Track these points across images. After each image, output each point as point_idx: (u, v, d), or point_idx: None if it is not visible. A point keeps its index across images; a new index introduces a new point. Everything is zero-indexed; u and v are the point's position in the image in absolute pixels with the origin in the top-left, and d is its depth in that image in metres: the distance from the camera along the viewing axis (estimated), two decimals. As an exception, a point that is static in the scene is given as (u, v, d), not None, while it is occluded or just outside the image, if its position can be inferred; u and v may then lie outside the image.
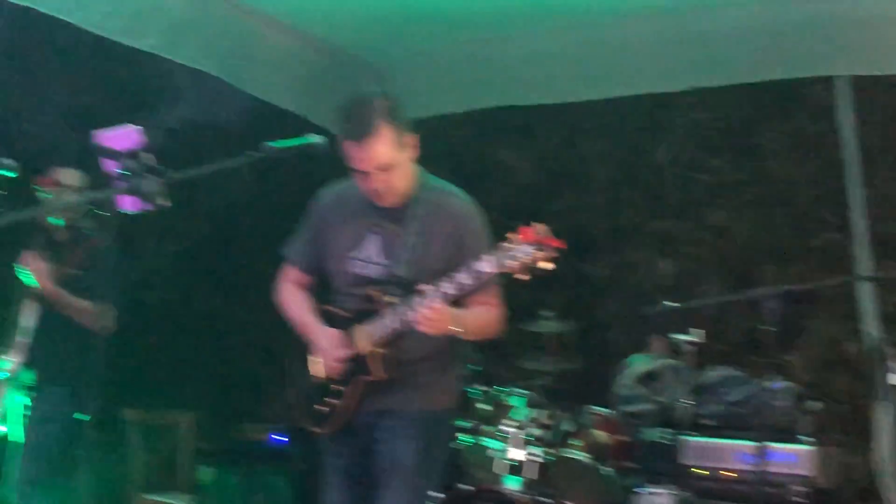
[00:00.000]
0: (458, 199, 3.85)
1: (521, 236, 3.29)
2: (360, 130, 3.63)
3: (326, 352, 3.79)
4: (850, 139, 5.54)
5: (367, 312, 3.74)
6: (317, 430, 3.88)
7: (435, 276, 3.60)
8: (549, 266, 3.29)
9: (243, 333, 7.75)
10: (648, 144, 7.00)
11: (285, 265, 4.07)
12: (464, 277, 3.48)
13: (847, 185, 5.63)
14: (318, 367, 3.85)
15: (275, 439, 6.09)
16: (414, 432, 3.75)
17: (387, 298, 3.69)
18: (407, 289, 3.66)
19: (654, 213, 6.96)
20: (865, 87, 5.84)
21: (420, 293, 3.55)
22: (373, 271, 3.80)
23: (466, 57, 6.09)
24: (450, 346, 3.82)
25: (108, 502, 5.75)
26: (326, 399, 3.83)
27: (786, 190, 6.49)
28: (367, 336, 3.73)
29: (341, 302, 3.89)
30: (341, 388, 3.80)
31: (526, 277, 3.33)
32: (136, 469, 6.42)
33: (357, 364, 3.75)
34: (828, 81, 5.67)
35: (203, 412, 6.64)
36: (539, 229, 3.28)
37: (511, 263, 3.31)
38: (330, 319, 3.87)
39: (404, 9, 5.45)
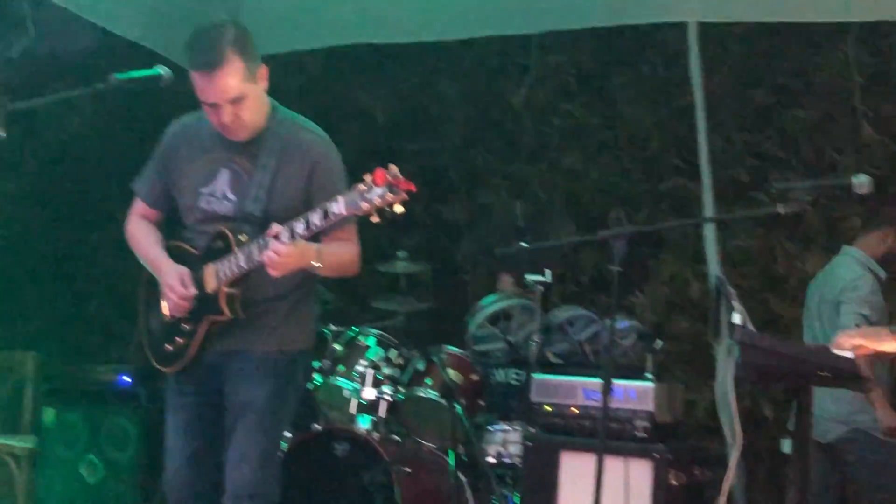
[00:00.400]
0: (314, 135, 3.79)
1: (374, 178, 3.26)
2: (208, 60, 3.53)
3: (173, 289, 3.70)
4: (699, 86, 5.67)
5: (217, 250, 3.67)
6: (164, 369, 3.82)
7: (288, 213, 3.54)
8: (401, 209, 3.27)
9: (89, 270, 7.54)
10: (504, 87, 7.03)
11: (135, 199, 3.96)
12: (316, 218, 3.42)
13: (695, 130, 5.76)
14: (167, 305, 3.78)
15: (122, 379, 5.96)
16: (264, 374, 3.71)
17: (238, 237, 3.63)
18: (258, 226, 3.59)
19: (509, 156, 7.01)
20: (714, 34, 5.99)
21: (271, 235, 3.50)
22: (223, 208, 3.72)
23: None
24: (303, 286, 3.78)
25: None
26: (175, 338, 3.77)
27: (637, 135, 6.62)
28: (215, 275, 3.65)
29: (191, 238, 3.80)
30: (189, 327, 3.73)
31: (377, 219, 3.31)
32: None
33: (206, 303, 3.68)
34: (680, 27, 5.78)
35: (47, 352, 6.45)
36: (392, 171, 3.27)
37: (364, 205, 3.27)
38: (180, 256, 3.79)
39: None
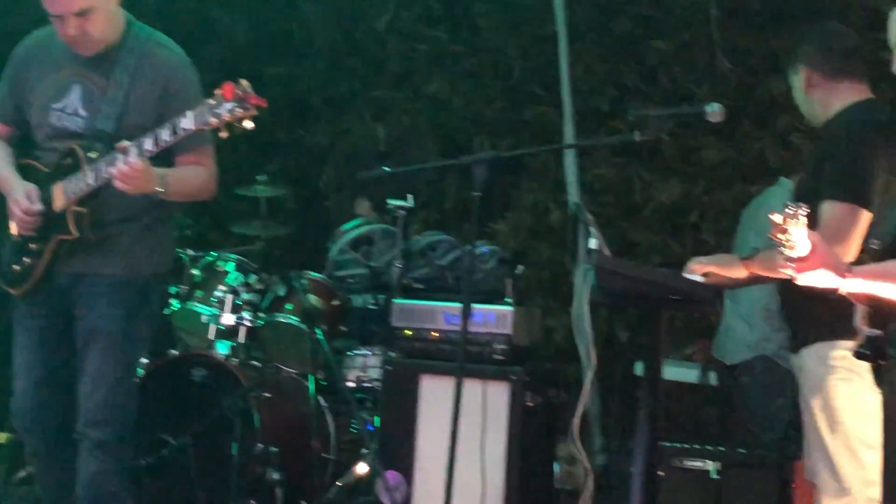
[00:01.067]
0: (169, 51, 3.71)
1: (223, 92, 3.23)
2: None
3: (19, 204, 3.61)
4: (562, 15, 5.70)
5: (67, 167, 3.58)
6: (11, 290, 3.72)
7: (140, 130, 3.47)
8: (250, 125, 3.26)
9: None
10: (369, 12, 6.95)
11: None
12: (165, 134, 3.38)
13: (558, 59, 5.80)
14: (14, 223, 3.67)
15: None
16: (116, 298, 3.63)
17: (88, 154, 3.53)
18: (109, 144, 3.51)
19: (373, 82, 6.95)
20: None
21: (119, 150, 3.42)
22: (74, 124, 3.63)
23: None
24: (157, 208, 3.70)
25: None
26: (23, 258, 3.67)
27: (501, 62, 6.63)
28: (63, 192, 3.57)
29: (41, 156, 3.71)
30: (37, 246, 3.64)
31: (225, 134, 3.29)
32: None
33: (53, 221, 3.59)
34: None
35: None
36: (242, 86, 3.23)
37: (212, 120, 3.26)
38: (30, 174, 3.69)
39: None
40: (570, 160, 5.74)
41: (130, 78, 3.60)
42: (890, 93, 4.33)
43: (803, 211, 2.50)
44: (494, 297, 4.66)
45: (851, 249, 3.25)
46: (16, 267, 3.69)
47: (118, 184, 3.42)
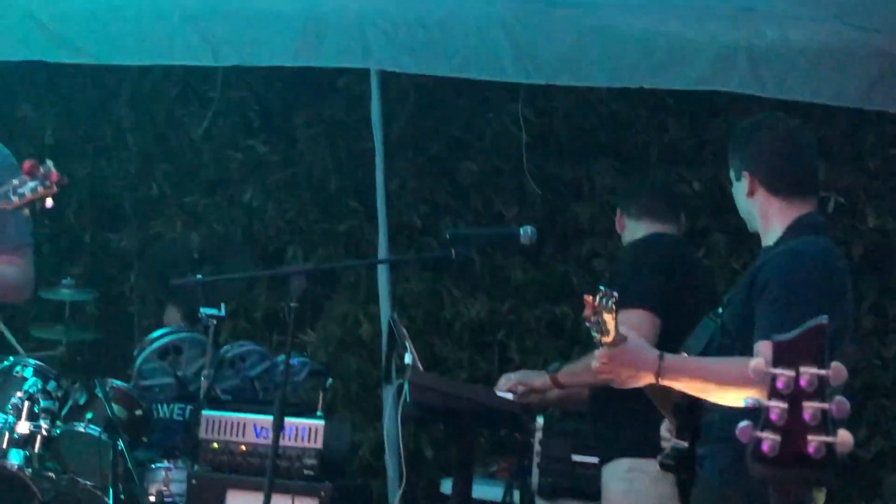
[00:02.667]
0: None
1: (24, 171, 3.26)
2: None
3: None
4: (378, 131, 5.82)
5: None
6: None
7: None
8: (50, 203, 3.28)
9: None
10: (184, 117, 6.92)
11: None
12: None
13: (374, 174, 5.90)
14: None
15: None
16: None
17: None
18: None
19: (186, 188, 6.89)
20: (395, 83, 6.19)
21: None
22: None
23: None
24: None
25: None
26: None
27: (317, 175, 6.69)
28: None
29: None
30: None
31: (27, 213, 3.33)
32: None
33: None
34: (363, 73, 5.92)
35: None
36: (45, 165, 3.26)
37: (15, 199, 3.26)
38: None
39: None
40: (382, 274, 5.80)
41: None
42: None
43: (613, 296, 2.60)
44: (305, 410, 4.64)
45: None
46: None
47: None
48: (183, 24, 5.51)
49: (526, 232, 3.75)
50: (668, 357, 2.80)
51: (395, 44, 5.34)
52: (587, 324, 2.64)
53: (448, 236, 3.80)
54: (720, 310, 3.09)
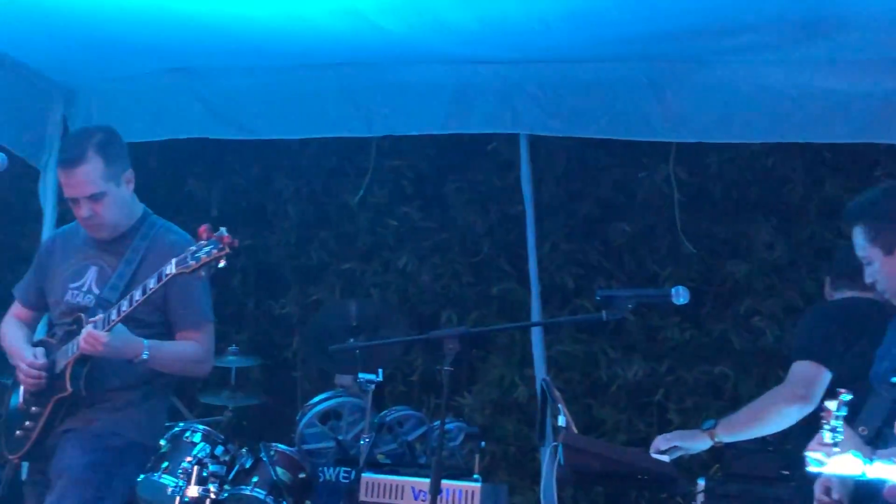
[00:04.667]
0: (177, 236, 4.01)
1: (200, 235, 3.49)
2: (69, 157, 3.81)
3: (24, 360, 3.83)
4: (529, 195, 5.88)
5: (72, 334, 3.80)
6: (11, 455, 3.88)
7: (144, 304, 3.67)
8: (223, 262, 3.47)
9: None
10: (341, 187, 7.13)
11: (15, 301, 4.21)
12: (151, 282, 3.61)
13: (525, 237, 5.95)
14: (22, 386, 3.89)
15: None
16: (91, 446, 3.76)
17: (89, 320, 3.71)
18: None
19: (343, 255, 7.08)
20: (544, 146, 6.25)
21: (90, 321, 3.67)
22: (85, 300, 3.88)
23: (162, 86, 5.98)
24: (154, 380, 3.89)
25: None
26: (25, 423, 3.83)
27: (469, 239, 6.79)
28: (64, 354, 3.78)
29: (55, 331, 3.97)
30: (37, 409, 3.79)
31: (202, 274, 3.52)
32: None
33: (53, 383, 3.78)
34: (512, 138, 6.00)
35: None
36: (219, 230, 3.50)
37: (192, 263, 3.46)
38: (42, 348, 3.94)
39: (99, 33, 5.28)
40: (536, 336, 5.82)
41: (140, 258, 3.88)
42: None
43: (844, 411, 2.66)
44: (462, 473, 4.67)
45: None
46: (18, 432, 3.87)
47: (83, 347, 3.63)
48: (339, 98, 5.73)
49: (678, 292, 3.71)
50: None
51: (542, 108, 5.42)
52: (824, 424, 2.70)
53: (598, 297, 3.79)
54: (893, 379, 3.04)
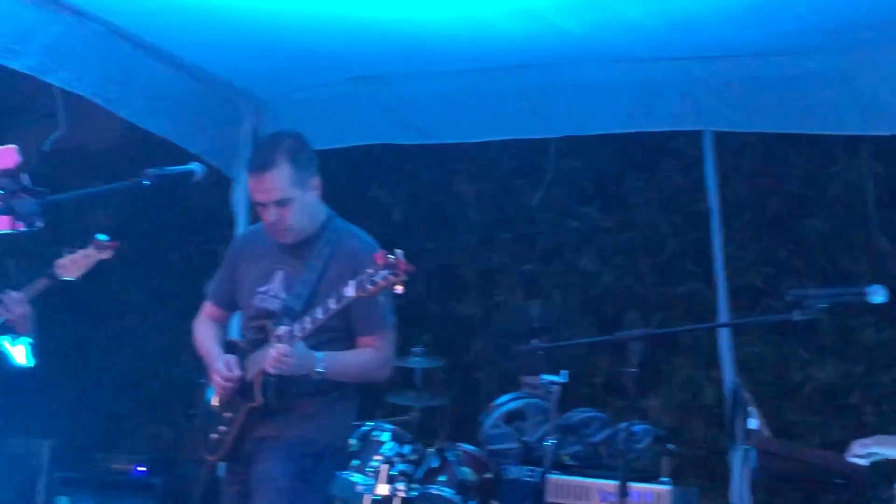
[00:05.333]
0: (360, 241, 4.05)
1: (376, 260, 3.51)
2: (260, 163, 3.88)
3: (219, 372, 3.92)
4: (714, 193, 5.76)
5: (259, 342, 3.88)
6: (209, 458, 3.98)
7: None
8: (400, 289, 3.51)
9: (102, 362, 7.60)
10: (520, 188, 7.14)
11: (206, 301, 4.30)
12: (331, 303, 3.65)
13: (711, 236, 5.83)
14: (215, 392, 3.99)
15: (136, 470, 5.97)
16: (288, 456, 3.85)
17: (275, 329, 3.77)
18: (298, 320, 3.78)
19: (523, 256, 7.09)
20: (729, 143, 6.10)
21: (274, 336, 3.72)
22: (273, 304, 3.95)
23: (345, 95, 6.13)
24: (341, 383, 3.93)
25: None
26: (219, 427, 3.91)
27: (653, 239, 6.70)
28: (254, 364, 3.85)
29: (244, 334, 4.08)
30: (231, 415, 3.88)
31: (381, 299, 3.63)
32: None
33: (245, 391, 3.87)
34: (695, 135, 5.89)
35: (62, 440, 6.48)
36: (394, 254, 3.50)
37: (370, 287, 3.51)
38: (233, 350, 4.03)
39: (285, 44, 5.47)
40: (724, 337, 5.69)
41: (324, 264, 3.92)
42: None
43: None
44: (650, 476, 4.61)
45: None
46: (213, 436, 3.93)
47: (269, 368, 3.68)
48: (517, 100, 5.75)
49: (874, 290, 3.57)
50: None
51: (727, 103, 5.31)
52: None
53: (789, 297, 3.68)
54: None
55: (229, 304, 4.22)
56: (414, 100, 5.99)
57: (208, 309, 4.27)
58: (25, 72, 5.09)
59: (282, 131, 4.20)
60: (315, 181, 3.97)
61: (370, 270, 3.51)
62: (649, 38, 5.07)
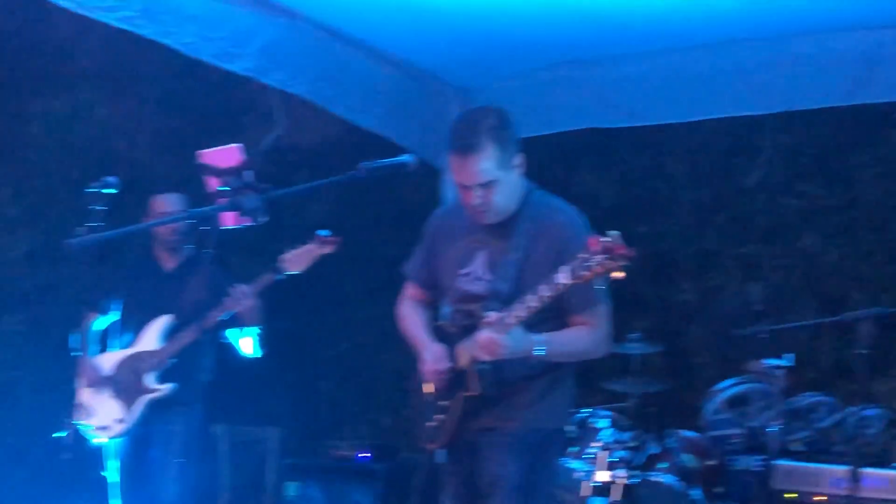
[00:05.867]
0: (564, 215, 3.85)
1: (590, 245, 3.34)
2: (463, 145, 3.71)
3: (428, 365, 3.84)
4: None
5: (468, 329, 3.76)
6: (427, 445, 3.92)
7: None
8: (620, 274, 3.33)
9: (325, 352, 7.83)
10: (736, 168, 6.94)
11: (406, 281, 4.17)
12: (545, 290, 3.51)
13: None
14: (427, 383, 3.90)
15: (360, 456, 6.12)
16: (517, 450, 3.73)
17: (485, 315, 3.66)
18: (507, 304, 3.66)
19: (741, 238, 6.89)
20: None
21: (484, 323, 3.59)
22: (478, 287, 3.83)
23: (552, 80, 6.10)
24: (559, 366, 3.81)
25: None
26: (435, 415, 3.86)
27: (879, 216, 6.39)
28: (466, 352, 3.75)
29: (451, 318, 3.94)
30: (446, 403, 3.83)
31: (601, 285, 3.43)
32: (224, 483, 6.53)
33: (459, 379, 3.77)
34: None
35: (289, 428, 6.73)
36: (609, 238, 3.32)
37: (585, 273, 3.36)
38: (442, 335, 3.93)
39: (491, 33, 5.49)
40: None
41: (528, 242, 3.76)
42: None
43: None
44: (884, 462, 4.41)
45: None
46: (430, 423, 3.90)
47: (482, 353, 3.59)
48: (731, 76, 5.58)
49: None
50: None
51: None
52: None
53: None
54: None
55: (431, 285, 4.07)
56: (624, 82, 5.90)
57: (411, 290, 4.15)
58: (243, 74, 5.28)
59: (483, 108, 3.88)
60: (518, 159, 3.79)
61: (584, 255, 3.36)
62: (872, 4, 4.82)
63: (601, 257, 3.32)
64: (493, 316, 3.59)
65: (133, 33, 4.85)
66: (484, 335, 3.57)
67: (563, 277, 3.45)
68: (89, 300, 5.61)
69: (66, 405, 5.42)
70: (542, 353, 3.63)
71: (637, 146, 7.20)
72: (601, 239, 3.34)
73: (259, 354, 5.59)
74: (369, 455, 6.11)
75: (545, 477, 3.83)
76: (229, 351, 5.60)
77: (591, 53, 5.86)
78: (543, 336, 3.64)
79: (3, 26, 7.50)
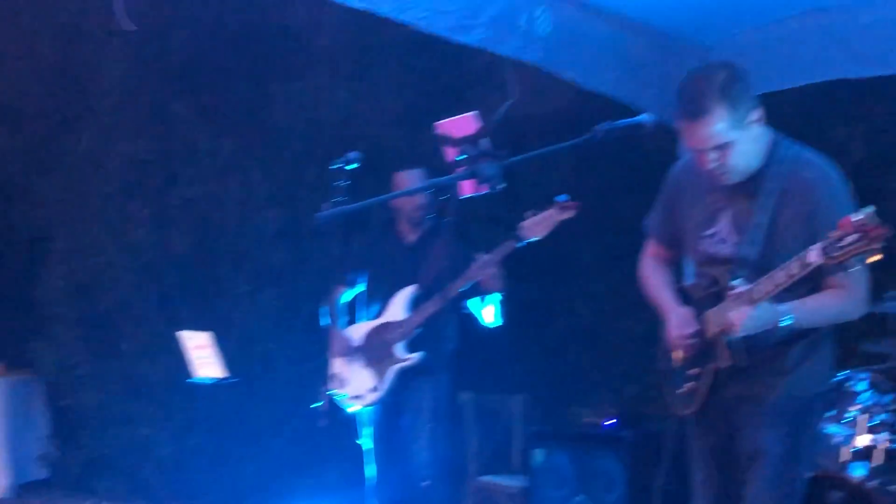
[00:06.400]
0: (818, 172, 3.60)
1: (840, 226, 3.16)
2: (691, 109, 3.51)
3: (673, 330, 3.74)
4: None
5: (714, 296, 3.63)
6: (678, 412, 3.82)
7: (787, 255, 3.41)
8: (878, 256, 3.13)
9: (568, 320, 7.83)
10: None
11: (647, 238, 4.06)
12: (794, 268, 3.34)
13: None
14: (674, 349, 3.80)
15: (606, 424, 6.09)
16: (778, 420, 3.60)
17: (732, 283, 3.53)
18: (755, 270, 3.52)
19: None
20: None
21: (729, 295, 3.46)
22: (723, 249, 3.67)
23: (796, 31, 5.83)
24: (816, 328, 3.63)
25: (445, 483, 5.97)
26: (685, 383, 3.76)
27: None
28: (713, 321, 3.62)
29: (695, 280, 3.80)
30: (696, 371, 3.71)
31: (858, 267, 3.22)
32: (471, 450, 6.65)
33: (709, 348, 3.65)
34: None
35: (533, 395, 6.77)
36: (864, 217, 3.12)
37: (836, 254, 3.18)
38: (687, 298, 3.81)
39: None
40: None
41: (776, 203, 3.56)
42: None
43: None
44: None
45: None
46: (679, 391, 3.82)
47: (730, 332, 3.48)
48: None
49: None
50: None
51: None
52: None
53: None
54: None
55: (673, 243, 3.91)
56: (873, 29, 5.57)
57: (652, 248, 4.01)
58: (476, 45, 5.31)
59: (709, 65, 3.68)
60: (755, 114, 3.54)
61: (836, 234, 3.16)
62: None
63: (854, 237, 3.13)
64: (739, 289, 3.45)
65: (366, 14, 4.97)
66: (731, 314, 3.44)
67: (813, 257, 3.27)
68: (336, 274, 5.80)
69: (321, 376, 5.63)
70: (790, 322, 3.45)
71: (886, 96, 6.81)
72: (854, 218, 3.14)
73: (500, 323, 5.64)
74: (616, 422, 6.07)
75: (806, 445, 3.67)
76: (471, 320, 5.68)
77: (836, 1, 5.58)
78: (791, 304, 3.46)
79: (244, 16, 7.86)
